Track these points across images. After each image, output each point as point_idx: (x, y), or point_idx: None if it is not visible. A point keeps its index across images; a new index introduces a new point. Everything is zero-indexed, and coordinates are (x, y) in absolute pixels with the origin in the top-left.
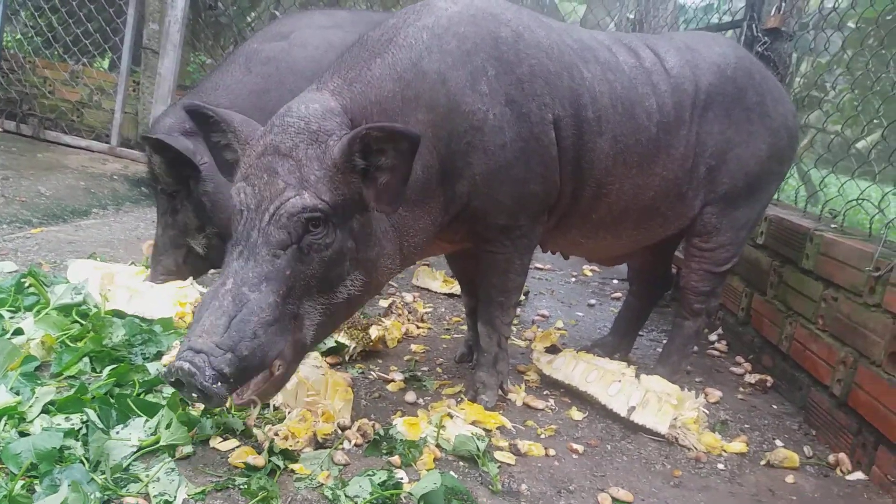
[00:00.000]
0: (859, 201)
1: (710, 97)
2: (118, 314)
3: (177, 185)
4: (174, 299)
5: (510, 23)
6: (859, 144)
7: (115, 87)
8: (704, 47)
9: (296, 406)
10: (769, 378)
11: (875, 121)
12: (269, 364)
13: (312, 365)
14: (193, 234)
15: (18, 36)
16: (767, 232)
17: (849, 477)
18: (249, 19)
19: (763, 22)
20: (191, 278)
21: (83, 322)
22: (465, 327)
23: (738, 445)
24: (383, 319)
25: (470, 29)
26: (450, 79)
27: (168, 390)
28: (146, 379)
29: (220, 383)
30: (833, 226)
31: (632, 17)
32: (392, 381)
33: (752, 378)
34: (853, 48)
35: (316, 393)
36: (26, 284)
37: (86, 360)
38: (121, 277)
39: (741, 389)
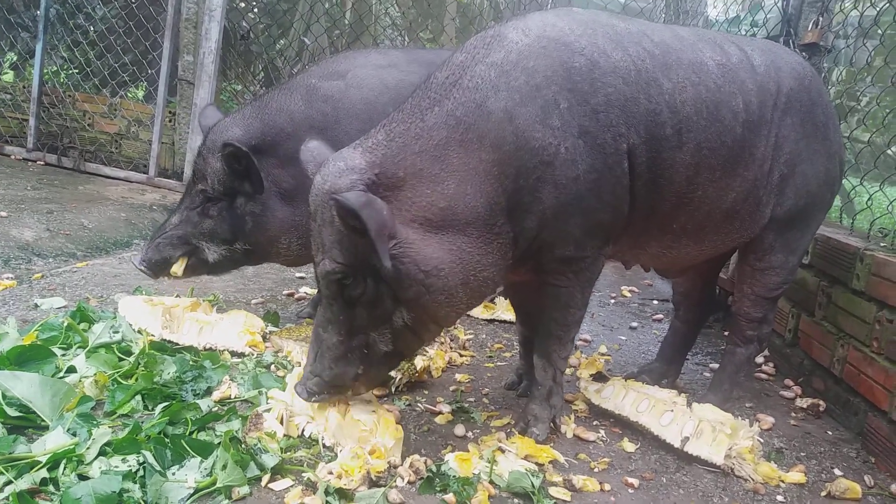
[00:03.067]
0: None
1: (790, 102)
2: (162, 348)
3: (225, 194)
4: (243, 328)
5: (584, 51)
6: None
7: (152, 118)
8: (785, 53)
9: (347, 444)
10: (822, 402)
11: None
12: (350, 384)
13: (364, 400)
14: (216, 241)
15: (55, 68)
16: (813, 251)
17: None
18: (279, 46)
19: (800, 37)
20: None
21: (127, 358)
22: (507, 354)
23: (796, 475)
24: (426, 349)
25: (540, 62)
26: (518, 115)
27: (221, 428)
28: (198, 417)
29: (315, 396)
30: (883, 244)
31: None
32: (440, 413)
33: (803, 402)
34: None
35: (367, 430)
36: (77, 322)
37: (138, 397)
38: (180, 311)
39: (793, 415)
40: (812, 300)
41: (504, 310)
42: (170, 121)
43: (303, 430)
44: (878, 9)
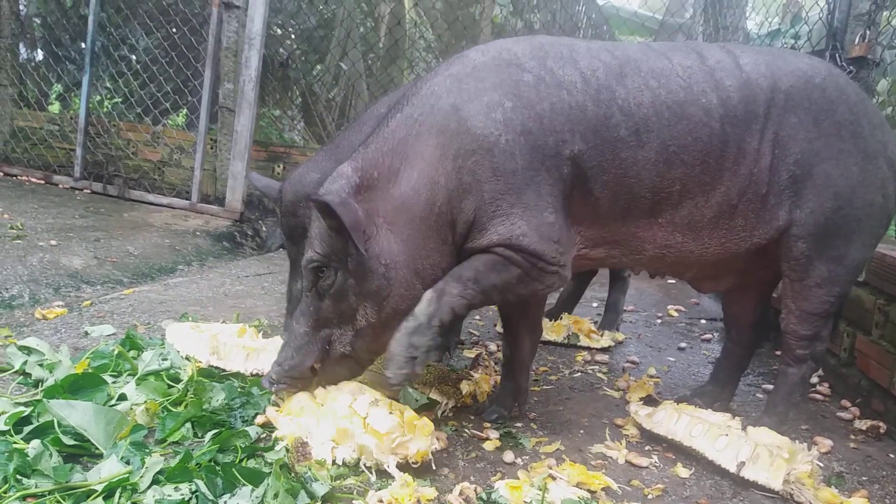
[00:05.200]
0: None
1: (792, 100)
2: (209, 374)
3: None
4: None
5: (532, 69)
6: None
7: (194, 145)
8: (793, 57)
9: (387, 458)
10: (882, 424)
11: None
12: (306, 372)
13: (385, 411)
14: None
15: (100, 98)
16: (869, 268)
17: None
18: (316, 72)
19: (847, 51)
20: None
21: (175, 385)
22: (553, 377)
23: (859, 501)
24: (472, 373)
25: (491, 74)
26: (463, 109)
27: (271, 456)
28: (248, 444)
29: (274, 385)
30: None
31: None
32: (487, 439)
33: (862, 424)
34: None
35: (400, 436)
36: (127, 349)
37: (188, 424)
38: (226, 337)
39: (852, 437)
40: (868, 318)
41: (548, 331)
42: (211, 147)
43: (333, 458)
44: None
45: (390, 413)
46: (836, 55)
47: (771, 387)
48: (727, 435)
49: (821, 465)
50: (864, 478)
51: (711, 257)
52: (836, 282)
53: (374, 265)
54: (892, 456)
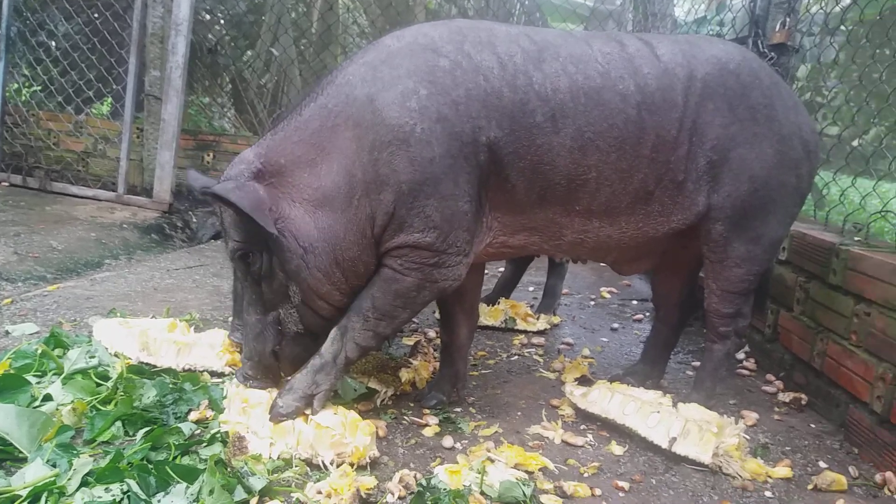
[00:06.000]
0: (883, 213)
1: (708, 87)
2: (140, 371)
3: None
4: (222, 348)
5: (449, 54)
6: (855, 143)
7: (119, 135)
8: (708, 44)
9: (324, 452)
10: (804, 396)
11: (873, 121)
12: (270, 357)
13: (329, 412)
14: None
15: (16, 85)
16: (790, 247)
17: None
18: (246, 58)
19: (768, 38)
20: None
21: (104, 384)
22: (491, 361)
23: (782, 470)
24: (411, 360)
25: (406, 61)
26: (378, 99)
27: (205, 452)
28: (181, 441)
29: (251, 381)
30: (857, 238)
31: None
32: (427, 425)
33: (785, 397)
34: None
35: (339, 434)
36: (52, 347)
37: (118, 423)
38: (157, 332)
39: (776, 409)
40: (790, 295)
41: (486, 316)
42: (137, 137)
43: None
44: (842, 6)
45: (335, 414)
46: (759, 42)
47: (699, 364)
48: (659, 412)
49: (747, 437)
50: (787, 448)
51: (630, 242)
52: (754, 261)
53: (292, 245)
54: (813, 426)
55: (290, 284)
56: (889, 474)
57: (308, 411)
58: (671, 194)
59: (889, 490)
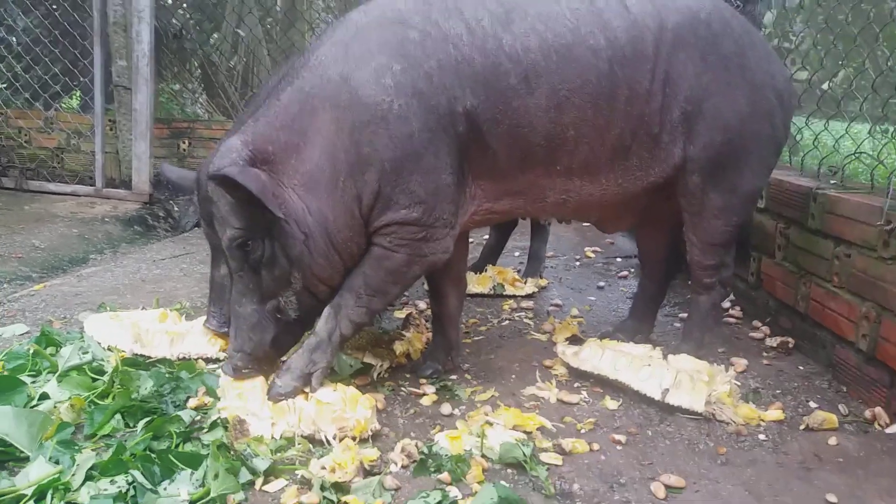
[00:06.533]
0: (856, 155)
1: (679, 37)
2: (135, 363)
3: None
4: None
5: (418, 25)
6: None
7: (92, 128)
8: None
9: (326, 428)
10: (790, 340)
11: (841, 63)
12: (269, 349)
13: (328, 389)
14: None
15: None
16: (768, 194)
17: (888, 430)
18: (213, 41)
19: None
20: None
21: (100, 378)
22: (483, 328)
23: (774, 413)
24: (404, 333)
25: (376, 35)
26: (352, 78)
27: (207, 437)
28: (182, 429)
29: (240, 372)
30: (833, 182)
31: None
32: (424, 394)
33: (773, 341)
34: None
35: (340, 408)
36: (43, 346)
37: (117, 416)
38: (148, 323)
39: (765, 354)
40: (771, 242)
41: (475, 284)
42: (111, 129)
43: (272, 434)
44: None
45: (334, 391)
46: None
47: (686, 315)
48: (650, 365)
49: (738, 383)
50: (777, 391)
51: (612, 199)
52: (732, 211)
53: (294, 231)
54: (801, 368)
55: (294, 271)
56: (878, 409)
57: (307, 389)
58: (648, 148)
59: (879, 425)
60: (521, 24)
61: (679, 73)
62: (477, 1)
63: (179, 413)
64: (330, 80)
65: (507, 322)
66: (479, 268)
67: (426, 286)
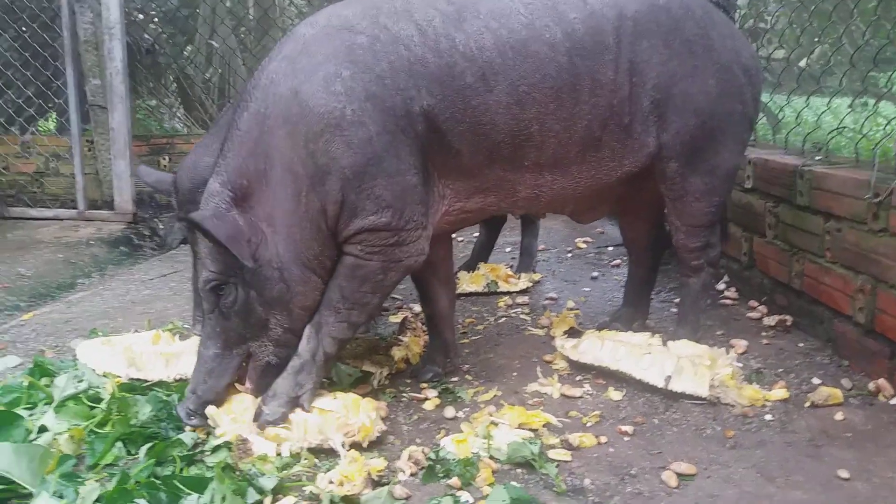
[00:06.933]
0: (839, 130)
1: (640, 25)
2: (131, 388)
3: None
4: None
5: (365, 30)
6: (802, 63)
7: (70, 150)
8: None
9: (334, 436)
10: (788, 317)
11: (816, 40)
12: (222, 393)
13: (328, 398)
14: None
15: None
16: (754, 174)
17: (893, 401)
18: (187, 54)
19: None
20: None
21: (98, 406)
22: (480, 327)
23: (779, 392)
24: (401, 338)
25: (322, 46)
26: (301, 90)
27: (212, 459)
28: (185, 452)
29: (192, 417)
30: (818, 158)
31: None
32: (426, 399)
33: (770, 320)
34: None
35: (343, 415)
36: (37, 377)
37: (118, 444)
38: (142, 346)
39: (763, 334)
40: (761, 222)
41: (468, 282)
42: (89, 150)
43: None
44: None
45: (334, 399)
46: None
47: (679, 300)
48: (650, 353)
49: (740, 365)
50: (780, 370)
51: (585, 191)
52: (713, 192)
53: (269, 272)
54: (801, 345)
55: (272, 317)
56: (881, 381)
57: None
58: (620, 138)
59: (883, 396)
60: (473, 23)
61: (644, 61)
62: (427, 2)
63: (180, 436)
64: (281, 96)
65: (503, 319)
66: (471, 266)
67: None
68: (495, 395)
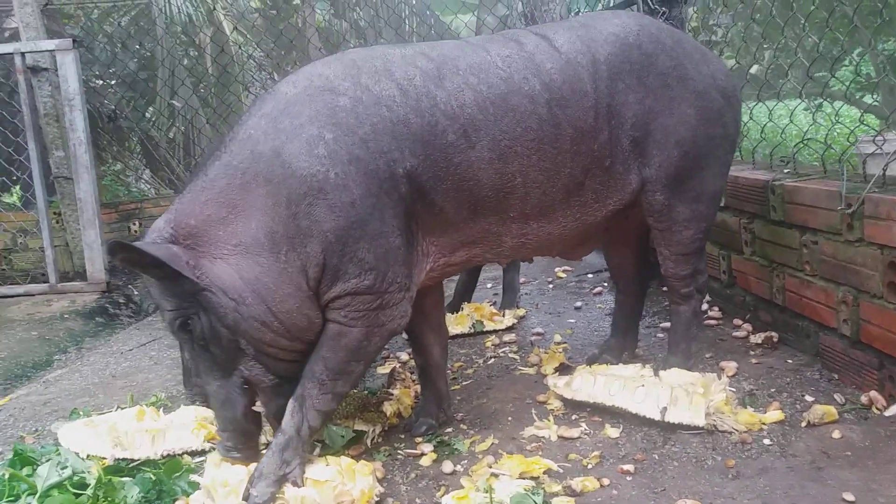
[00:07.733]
0: (805, 142)
1: (614, 67)
2: (118, 470)
3: None
4: (196, 424)
5: (347, 91)
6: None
7: (37, 224)
8: (601, 22)
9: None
10: (774, 334)
11: (763, 45)
12: (242, 422)
13: (321, 466)
14: None
15: None
16: (726, 193)
17: (887, 413)
18: (149, 115)
19: None
20: None
21: (84, 493)
22: (469, 371)
23: (774, 414)
24: (390, 391)
25: (305, 108)
26: (284, 152)
27: None
28: None
29: (233, 452)
30: (786, 171)
31: (521, 10)
32: (423, 454)
33: (757, 338)
34: None
35: (339, 483)
36: (18, 468)
37: None
38: (126, 424)
39: (751, 353)
40: (737, 239)
41: (453, 324)
42: (57, 221)
43: None
44: None
45: (327, 465)
46: (649, 1)
47: (668, 324)
48: (644, 385)
49: (733, 389)
50: (772, 389)
51: (571, 233)
52: (700, 218)
53: (223, 300)
54: (790, 361)
55: (238, 338)
56: (873, 393)
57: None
58: (602, 180)
59: (877, 409)
60: (453, 80)
61: (621, 103)
62: (406, 59)
63: None
64: (261, 154)
65: (492, 360)
66: (454, 307)
67: (407, 338)
68: (492, 444)
